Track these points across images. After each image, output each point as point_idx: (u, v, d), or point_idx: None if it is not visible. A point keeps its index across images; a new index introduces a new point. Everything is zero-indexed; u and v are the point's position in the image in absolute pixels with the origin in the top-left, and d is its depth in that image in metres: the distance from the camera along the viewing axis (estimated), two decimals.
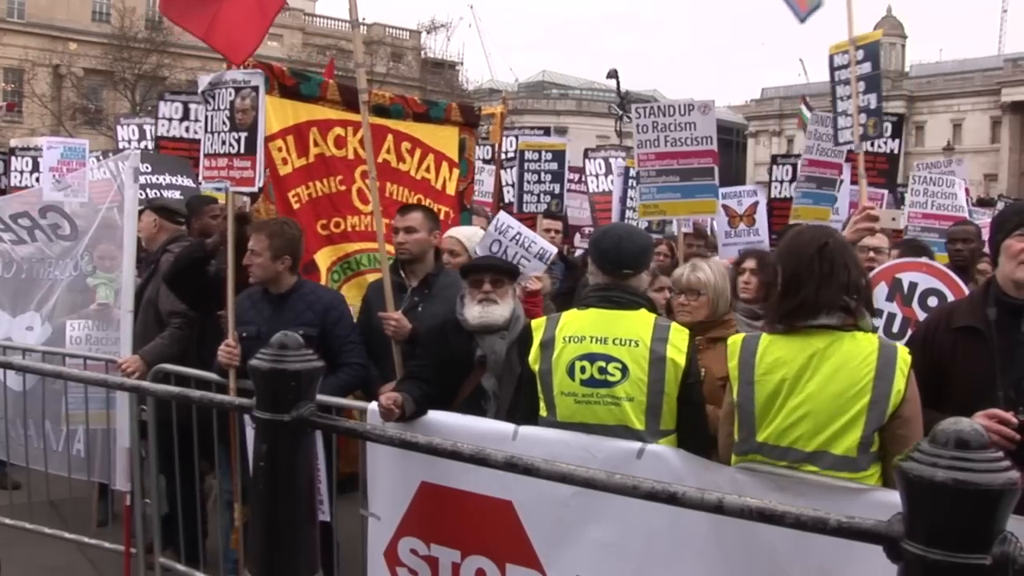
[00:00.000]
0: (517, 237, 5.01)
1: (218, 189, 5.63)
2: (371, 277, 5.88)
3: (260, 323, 5.03)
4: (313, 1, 68.78)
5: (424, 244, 5.34)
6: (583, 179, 11.77)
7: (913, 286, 4.50)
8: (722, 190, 7.99)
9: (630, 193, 7.89)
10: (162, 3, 5.38)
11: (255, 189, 5.12)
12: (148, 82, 47.27)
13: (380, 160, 5.88)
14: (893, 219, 5.05)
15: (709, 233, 8.95)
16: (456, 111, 6.63)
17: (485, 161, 10.27)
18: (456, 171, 6.42)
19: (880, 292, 4.45)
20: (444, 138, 6.41)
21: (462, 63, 64.26)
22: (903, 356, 3.23)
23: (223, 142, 5.05)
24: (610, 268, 3.89)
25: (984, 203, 14.62)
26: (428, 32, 60.74)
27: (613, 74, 38.83)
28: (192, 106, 9.34)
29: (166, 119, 9.45)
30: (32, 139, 14.23)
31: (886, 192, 9.04)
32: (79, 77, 50.03)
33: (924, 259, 4.91)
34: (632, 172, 8.09)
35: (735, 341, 3.47)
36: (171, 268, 5.64)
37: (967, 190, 9.69)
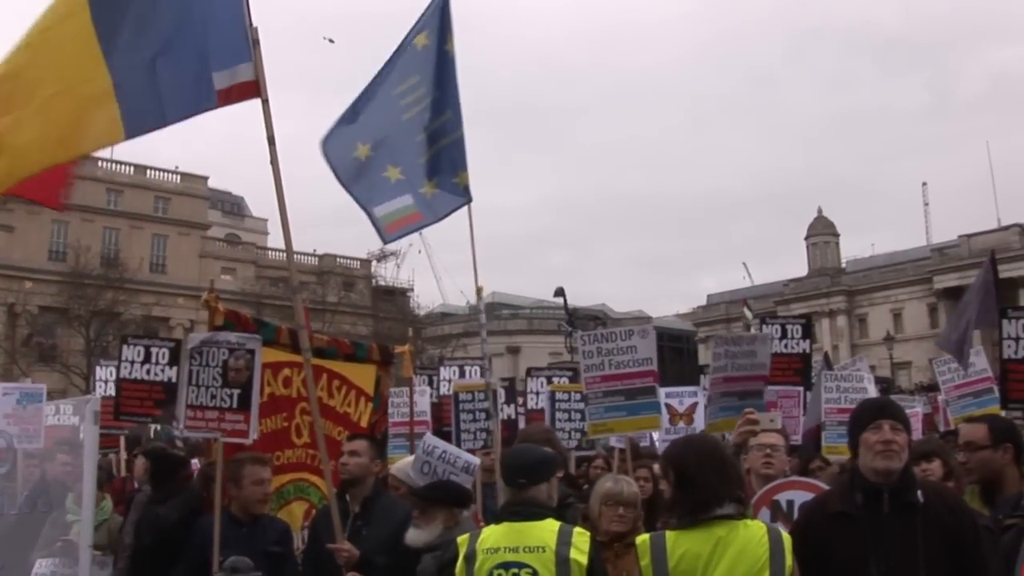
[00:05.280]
0: (443, 455, 5.52)
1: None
2: (295, 505, 6.48)
3: (238, 546, 5.32)
4: (265, 235, 70.44)
5: (364, 468, 5.80)
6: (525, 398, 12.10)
7: (791, 503, 4.94)
8: (666, 390, 8.37)
9: (558, 415, 8.33)
10: None
11: (249, 441, 5.61)
12: (103, 319, 47.50)
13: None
14: (771, 420, 5.62)
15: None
16: (376, 351, 7.43)
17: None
18: (371, 405, 7.09)
19: (763, 517, 4.77)
20: (364, 375, 7.16)
21: (412, 289, 64.88)
22: (786, 537, 3.85)
23: (213, 396, 5.55)
24: (510, 481, 4.49)
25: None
26: (378, 260, 61.45)
27: (560, 292, 39.99)
28: (153, 350, 9.85)
29: (128, 362, 9.82)
30: None
31: (801, 389, 9.71)
32: (34, 315, 50.27)
33: (793, 477, 5.48)
34: (560, 396, 8.59)
35: (644, 540, 3.95)
36: (150, 540, 6.00)
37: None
